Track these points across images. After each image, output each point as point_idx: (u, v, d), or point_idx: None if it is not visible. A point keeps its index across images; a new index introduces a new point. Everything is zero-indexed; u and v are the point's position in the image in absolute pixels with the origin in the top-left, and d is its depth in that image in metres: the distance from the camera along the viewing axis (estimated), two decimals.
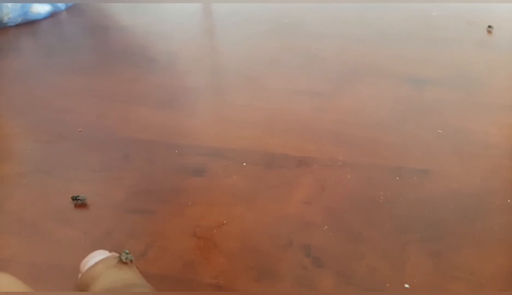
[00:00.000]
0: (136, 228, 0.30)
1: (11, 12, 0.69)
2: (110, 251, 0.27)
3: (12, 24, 0.71)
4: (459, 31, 0.59)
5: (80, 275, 0.23)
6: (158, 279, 0.26)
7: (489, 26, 0.51)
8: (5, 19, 0.69)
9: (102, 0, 0.81)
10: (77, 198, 0.31)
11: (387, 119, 0.41)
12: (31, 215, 0.31)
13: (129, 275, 0.22)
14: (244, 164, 0.35)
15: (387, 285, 0.25)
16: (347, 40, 0.58)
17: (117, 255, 0.23)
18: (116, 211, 0.31)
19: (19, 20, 0.71)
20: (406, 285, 0.25)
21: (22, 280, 0.24)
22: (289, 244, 0.28)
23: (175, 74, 0.51)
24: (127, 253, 0.23)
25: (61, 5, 0.76)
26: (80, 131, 0.40)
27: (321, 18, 0.67)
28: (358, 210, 0.31)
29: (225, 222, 0.30)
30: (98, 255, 0.24)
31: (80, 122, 0.41)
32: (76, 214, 0.31)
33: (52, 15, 0.75)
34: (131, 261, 0.23)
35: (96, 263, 0.23)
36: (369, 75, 0.49)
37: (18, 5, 0.69)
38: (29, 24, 0.71)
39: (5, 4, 0.68)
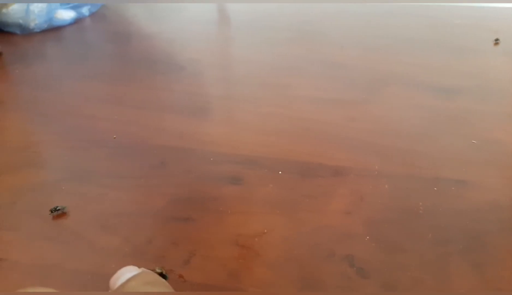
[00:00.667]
0: (177, 235, 0.30)
1: (37, 18, 0.70)
2: (152, 260, 0.27)
3: (38, 30, 0.72)
4: (483, 39, 0.59)
5: (110, 292, 0.22)
6: (203, 288, 0.26)
7: (496, 39, 0.51)
8: (32, 25, 0.70)
9: (125, 0, 0.82)
10: (57, 209, 0.31)
11: (419, 128, 0.40)
12: (72, 222, 0.31)
13: (164, 290, 0.22)
14: (280, 172, 0.36)
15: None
16: (371, 48, 0.59)
17: (148, 270, 0.23)
18: (156, 218, 0.31)
19: (45, 26, 0.72)
20: None
21: (67, 288, 0.25)
22: (331, 255, 0.28)
23: (203, 82, 0.52)
24: (161, 271, 0.23)
25: (85, 11, 0.77)
26: (114, 138, 0.41)
27: (343, 25, 0.67)
28: (398, 220, 0.30)
29: (265, 231, 0.30)
30: (128, 272, 0.23)
31: (113, 130, 0.42)
32: (116, 221, 0.31)
33: (76, 21, 0.76)
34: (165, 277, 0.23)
35: (128, 280, 0.22)
36: (395, 83, 0.49)
37: (44, 11, 0.70)
38: (54, 30, 0.72)
39: (31, 10, 0.69)
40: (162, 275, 0.24)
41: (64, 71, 0.57)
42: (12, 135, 0.43)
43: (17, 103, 0.49)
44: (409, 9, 0.73)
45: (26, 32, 0.72)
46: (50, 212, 0.31)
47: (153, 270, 0.23)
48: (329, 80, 0.50)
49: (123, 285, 0.22)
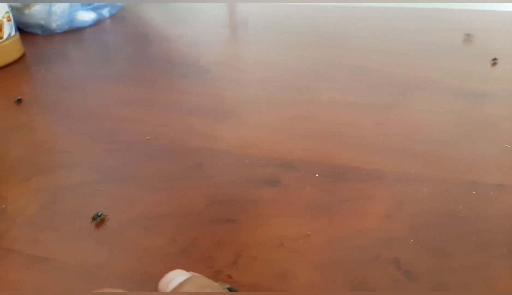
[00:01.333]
0: (221, 236, 0.30)
1: (59, 19, 0.71)
2: (199, 261, 0.27)
3: (60, 31, 0.72)
4: (507, 45, 0.59)
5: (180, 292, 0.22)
6: (253, 288, 0.26)
7: (494, 59, 0.47)
8: (53, 26, 0.71)
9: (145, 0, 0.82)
10: (99, 215, 0.31)
11: (449, 133, 0.41)
12: (114, 224, 0.32)
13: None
14: (317, 175, 0.36)
15: None
16: (394, 52, 0.59)
17: (198, 274, 0.23)
18: (198, 219, 0.31)
19: (66, 27, 0.72)
20: None
21: (117, 287, 0.25)
22: (377, 257, 0.28)
23: (228, 85, 0.52)
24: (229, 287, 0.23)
25: (105, 13, 0.77)
26: (148, 139, 0.41)
27: (364, 29, 0.67)
28: (440, 224, 0.31)
29: (309, 233, 0.30)
30: (178, 275, 0.23)
31: (146, 131, 0.42)
32: (159, 222, 0.31)
33: (96, 22, 0.76)
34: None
35: (182, 284, 0.22)
36: (420, 88, 0.49)
37: (66, 12, 0.71)
38: (75, 31, 0.73)
39: (54, 11, 0.70)
40: (230, 289, 0.24)
41: (87, 73, 0.57)
42: (44, 136, 0.43)
43: (45, 104, 0.49)
44: (429, 13, 0.73)
45: (47, 33, 0.72)
46: (92, 220, 0.30)
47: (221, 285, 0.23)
48: (353, 84, 0.51)
49: (177, 288, 0.22)
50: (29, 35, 0.71)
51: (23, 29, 0.71)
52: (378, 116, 0.44)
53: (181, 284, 0.22)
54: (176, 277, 0.23)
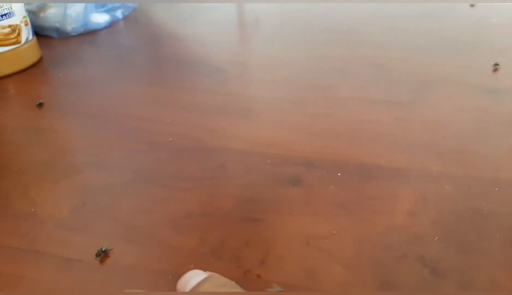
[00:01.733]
0: (249, 236, 0.30)
1: (74, 22, 0.72)
2: (229, 260, 0.28)
3: (75, 33, 0.73)
4: None
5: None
6: (284, 286, 0.27)
7: (496, 64, 0.45)
8: (69, 28, 0.72)
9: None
10: (103, 250, 0.29)
11: (470, 129, 0.41)
12: (144, 223, 0.32)
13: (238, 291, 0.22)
14: (339, 174, 0.36)
15: (510, 293, 0.26)
16: (412, 49, 0.59)
17: (216, 274, 0.23)
18: (226, 219, 0.32)
19: (81, 30, 0.73)
20: None
21: (151, 289, 0.26)
22: (403, 255, 0.29)
23: (246, 84, 0.52)
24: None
25: (119, 14, 0.78)
26: (170, 141, 0.42)
27: (380, 26, 0.67)
28: (464, 221, 0.31)
29: (334, 232, 0.31)
30: (196, 275, 0.23)
31: (168, 132, 0.43)
32: (188, 222, 0.32)
33: (110, 24, 0.77)
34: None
35: (201, 283, 0.22)
36: (442, 85, 0.49)
37: (81, 15, 0.72)
38: (90, 33, 0.73)
39: (69, 14, 0.71)
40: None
41: (105, 74, 0.58)
42: (68, 138, 0.44)
43: (66, 106, 0.50)
44: (444, 10, 0.73)
45: (63, 36, 0.73)
46: (96, 257, 0.29)
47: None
48: (372, 81, 0.51)
49: (196, 287, 0.22)
50: (45, 38, 0.72)
51: (39, 32, 0.72)
52: (398, 112, 0.44)
53: (199, 284, 0.22)
54: (194, 277, 0.23)
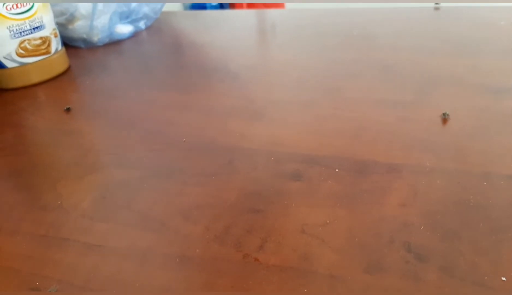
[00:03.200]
0: (250, 225, 0.34)
1: (100, 33, 0.77)
2: (230, 246, 0.31)
3: (101, 44, 0.78)
4: None
5: None
6: (278, 269, 0.30)
7: (444, 114, 0.45)
8: (95, 39, 0.77)
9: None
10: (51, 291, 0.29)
11: (469, 127, 0.43)
12: (157, 213, 0.36)
13: None
14: (337, 170, 0.39)
15: (486, 278, 0.28)
16: (419, 51, 0.61)
17: None
18: (230, 209, 0.35)
19: (107, 40, 0.78)
20: (503, 278, 0.28)
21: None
22: (390, 242, 0.31)
23: (258, 88, 0.56)
24: None
25: (142, 25, 0.83)
26: (184, 141, 0.45)
27: (390, 29, 0.70)
28: (451, 212, 0.33)
29: (328, 221, 0.33)
30: None
31: (183, 133, 0.46)
32: (197, 213, 0.35)
33: (134, 35, 0.82)
34: None
35: None
36: (447, 85, 0.51)
37: (106, 26, 0.76)
38: (114, 43, 0.78)
39: (95, 26, 0.76)
40: None
41: (129, 81, 0.62)
42: (92, 140, 0.48)
43: (91, 111, 0.54)
44: (453, 11, 0.74)
45: (89, 46, 0.78)
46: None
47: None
48: (379, 82, 0.53)
49: None
50: (73, 48, 0.77)
51: (68, 43, 0.78)
52: (401, 111, 0.46)
53: None
54: None
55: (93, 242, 0.34)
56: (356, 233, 0.32)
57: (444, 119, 0.41)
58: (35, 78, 0.64)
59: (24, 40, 0.62)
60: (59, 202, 0.39)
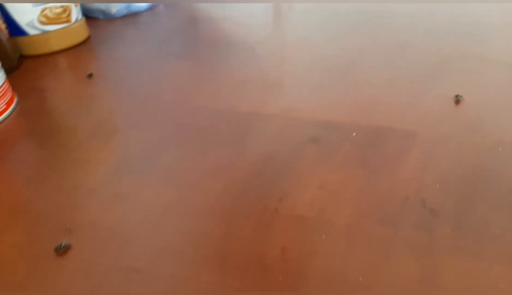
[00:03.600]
0: (270, 181, 0.35)
1: (118, 5, 0.77)
2: (251, 199, 0.32)
3: (119, 15, 0.79)
4: None
5: None
6: (297, 218, 0.31)
7: (457, 96, 0.45)
8: (113, 11, 0.78)
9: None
10: (61, 246, 0.30)
11: (485, 101, 0.44)
12: (179, 171, 0.37)
13: None
14: (354, 134, 0.40)
15: (498, 231, 0.29)
16: (435, 31, 0.62)
17: None
18: (250, 169, 0.37)
19: (125, 12, 0.79)
20: None
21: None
22: (406, 198, 0.32)
23: (276, 61, 0.57)
24: None
25: None
26: (205, 106, 0.46)
27: (405, 12, 0.70)
28: (465, 175, 0.34)
29: (345, 180, 0.35)
30: None
31: (205, 100, 0.48)
32: (219, 172, 0.37)
33: (151, 7, 0.83)
34: None
35: None
36: (463, 61, 0.52)
37: None
38: (132, 16, 0.79)
39: None
40: None
41: (147, 52, 0.63)
42: (115, 104, 0.49)
43: (112, 78, 0.56)
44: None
45: (108, 17, 0.79)
46: (54, 250, 0.30)
47: None
48: (395, 59, 0.54)
49: None
50: (92, 19, 0.78)
51: (87, 14, 0.79)
52: (418, 85, 0.47)
53: None
54: None
55: (120, 192, 0.35)
56: (372, 191, 0.33)
57: (457, 100, 0.42)
58: (56, 46, 0.66)
59: (46, 8, 0.63)
60: (87, 158, 0.40)
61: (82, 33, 0.69)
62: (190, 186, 0.35)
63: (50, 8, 0.63)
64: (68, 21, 0.66)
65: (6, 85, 0.51)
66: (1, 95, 0.49)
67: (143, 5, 0.81)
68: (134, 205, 0.34)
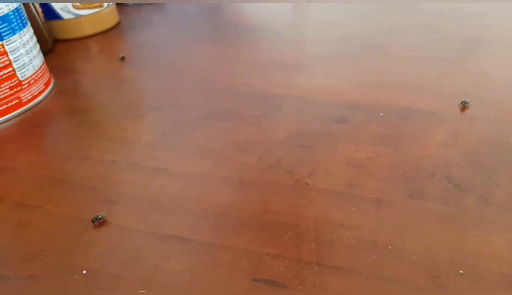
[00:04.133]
0: (301, 157, 0.37)
1: None
2: (283, 173, 0.34)
3: (146, 2, 0.80)
4: None
5: None
6: (327, 192, 0.33)
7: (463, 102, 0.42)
8: None
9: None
10: (98, 218, 0.32)
11: (510, 81, 0.45)
12: (214, 146, 0.39)
13: None
14: (381, 115, 0.41)
15: None
16: (463, 13, 0.62)
17: None
18: (281, 145, 0.38)
19: None
20: None
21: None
22: (432, 175, 0.34)
23: (302, 44, 0.58)
24: None
25: None
26: (234, 88, 0.48)
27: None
28: (490, 152, 0.36)
29: (373, 156, 0.36)
30: None
31: (232, 81, 0.49)
32: (251, 147, 0.38)
33: None
34: None
35: None
36: (489, 44, 0.53)
37: None
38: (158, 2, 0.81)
39: None
40: None
41: (173, 36, 0.65)
42: (148, 84, 0.52)
43: (144, 61, 0.58)
44: None
45: (135, 4, 0.81)
46: (91, 222, 0.32)
47: None
48: (422, 41, 0.55)
49: None
50: (120, 6, 0.80)
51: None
52: (443, 67, 0.48)
53: None
54: None
55: (159, 166, 0.38)
56: (399, 167, 0.35)
57: (464, 107, 0.42)
58: (88, 30, 0.68)
59: None
60: (124, 134, 0.42)
61: (113, 18, 0.71)
62: (226, 159, 0.37)
63: None
64: (100, 6, 0.68)
65: (44, 67, 0.53)
66: (40, 76, 0.51)
67: None
68: (173, 178, 0.36)
